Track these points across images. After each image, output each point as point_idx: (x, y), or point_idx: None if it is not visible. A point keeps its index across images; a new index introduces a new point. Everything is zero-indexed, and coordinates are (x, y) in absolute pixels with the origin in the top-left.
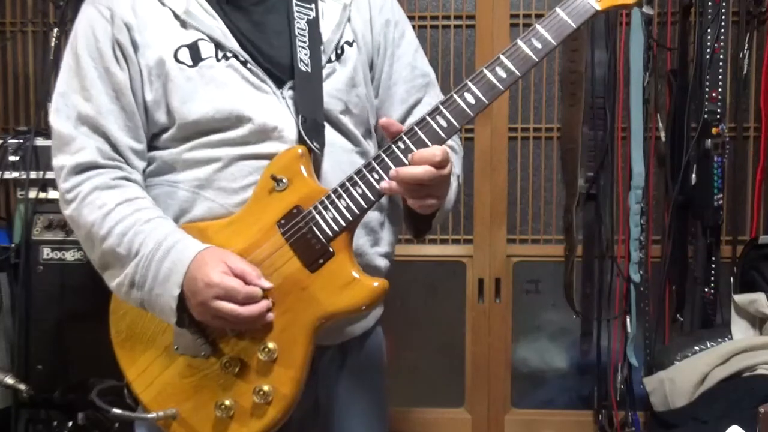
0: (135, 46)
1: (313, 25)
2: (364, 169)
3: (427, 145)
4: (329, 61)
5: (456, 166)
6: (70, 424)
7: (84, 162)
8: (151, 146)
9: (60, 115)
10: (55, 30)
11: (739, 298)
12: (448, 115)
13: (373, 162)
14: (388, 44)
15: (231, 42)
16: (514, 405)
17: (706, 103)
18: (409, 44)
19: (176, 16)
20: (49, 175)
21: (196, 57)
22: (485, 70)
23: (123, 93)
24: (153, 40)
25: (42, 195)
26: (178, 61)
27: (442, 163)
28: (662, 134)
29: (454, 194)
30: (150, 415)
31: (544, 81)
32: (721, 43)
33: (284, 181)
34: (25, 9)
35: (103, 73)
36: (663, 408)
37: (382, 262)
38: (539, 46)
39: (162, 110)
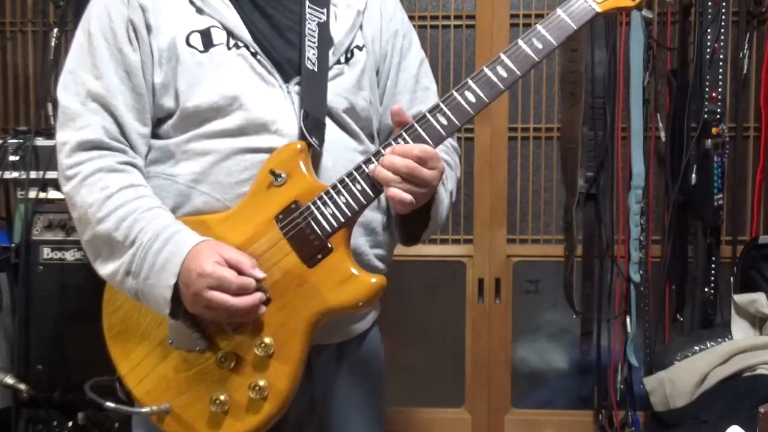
0: (149, 28)
1: (324, 27)
2: (363, 165)
3: (426, 143)
4: (338, 62)
5: (449, 182)
6: (70, 424)
7: (89, 139)
8: (152, 134)
9: (68, 90)
10: (55, 30)
11: (739, 298)
12: (449, 113)
13: (372, 158)
14: (395, 53)
15: (243, 32)
16: (514, 405)
17: (706, 103)
18: (416, 56)
19: (191, 2)
20: (49, 175)
21: (208, 43)
22: (486, 69)
23: (134, 74)
24: (166, 23)
25: (42, 195)
26: (189, 45)
27: (420, 160)
28: (662, 134)
29: (446, 209)
30: (143, 410)
31: (544, 81)
32: (721, 43)
33: (283, 176)
34: (25, 9)
35: (116, 53)
36: (663, 408)
37: (380, 265)
38: (540, 46)
39: (170, 94)
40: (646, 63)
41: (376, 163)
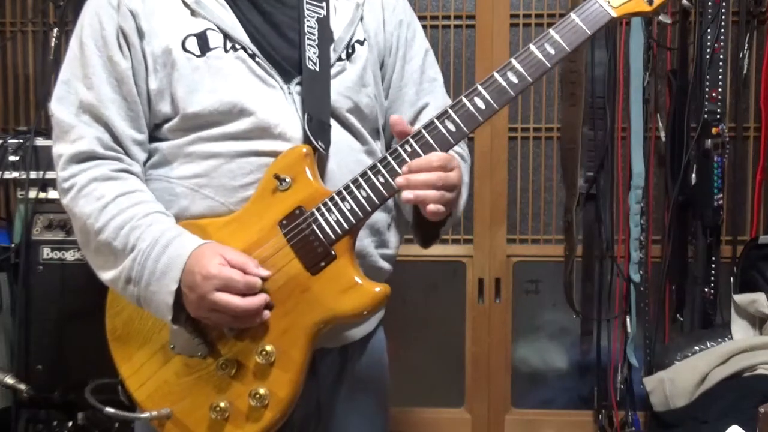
0: (140, 33)
1: (324, 23)
2: (369, 172)
3: (435, 150)
4: (339, 59)
5: (465, 174)
6: (70, 424)
7: (82, 151)
8: (153, 137)
9: (62, 102)
10: (55, 30)
11: (739, 298)
12: (457, 120)
13: (378, 165)
14: (400, 45)
15: (240, 33)
16: (514, 405)
17: (706, 103)
18: (420, 46)
19: (186, 5)
20: (49, 175)
21: (204, 46)
22: (496, 75)
23: (125, 82)
24: (160, 28)
25: (42, 195)
26: (185, 50)
27: (442, 168)
28: (662, 134)
29: (463, 202)
30: (143, 415)
31: (544, 81)
32: (721, 43)
33: (287, 180)
34: (25, 9)
35: (107, 61)
36: (663, 408)
37: (385, 265)
38: (552, 51)
39: (166, 100)
40: (646, 63)
41: (383, 171)
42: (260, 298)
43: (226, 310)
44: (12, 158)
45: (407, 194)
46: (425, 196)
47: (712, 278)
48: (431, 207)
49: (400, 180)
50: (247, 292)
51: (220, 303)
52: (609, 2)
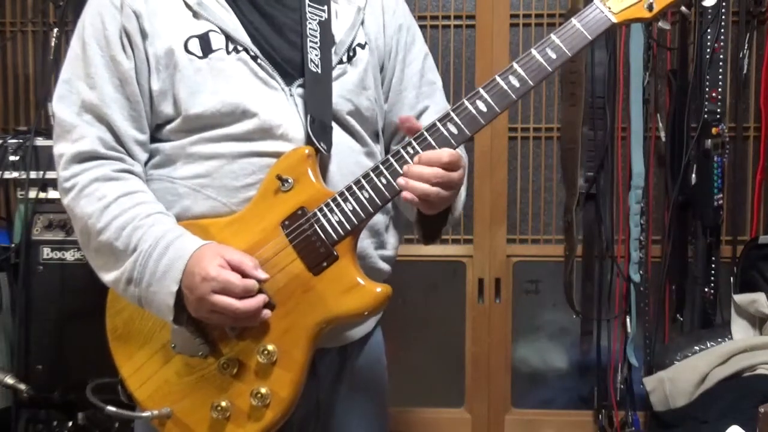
0: (143, 34)
1: (325, 26)
2: (371, 173)
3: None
4: (340, 62)
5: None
6: (70, 424)
7: (84, 151)
8: (154, 137)
9: (63, 101)
10: (55, 30)
11: (739, 298)
12: (459, 122)
13: (381, 166)
14: (399, 49)
15: (242, 35)
16: (514, 405)
17: (706, 103)
18: (420, 50)
19: (188, 6)
20: (49, 175)
21: (207, 48)
22: (498, 78)
23: (128, 82)
24: (163, 29)
25: (42, 195)
26: (187, 51)
27: (450, 165)
28: (662, 134)
29: (462, 201)
30: (144, 414)
31: (544, 81)
32: (721, 43)
33: (290, 181)
34: (25, 9)
35: (109, 61)
36: (663, 408)
37: (385, 266)
38: (554, 56)
39: (168, 101)
40: (646, 63)
41: (385, 172)
42: (258, 300)
43: (224, 312)
44: (12, 158)
45: (399, 180)
46: (413, 186)
47: (712, 278)
48: (405, 194)
49: (405, 168)
50: (245, 295)
51: (218, 305)
52: (610, 8)
